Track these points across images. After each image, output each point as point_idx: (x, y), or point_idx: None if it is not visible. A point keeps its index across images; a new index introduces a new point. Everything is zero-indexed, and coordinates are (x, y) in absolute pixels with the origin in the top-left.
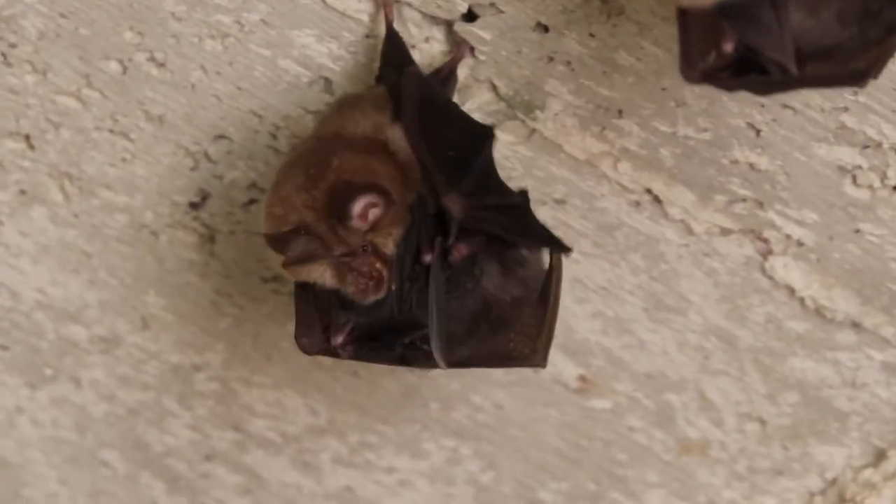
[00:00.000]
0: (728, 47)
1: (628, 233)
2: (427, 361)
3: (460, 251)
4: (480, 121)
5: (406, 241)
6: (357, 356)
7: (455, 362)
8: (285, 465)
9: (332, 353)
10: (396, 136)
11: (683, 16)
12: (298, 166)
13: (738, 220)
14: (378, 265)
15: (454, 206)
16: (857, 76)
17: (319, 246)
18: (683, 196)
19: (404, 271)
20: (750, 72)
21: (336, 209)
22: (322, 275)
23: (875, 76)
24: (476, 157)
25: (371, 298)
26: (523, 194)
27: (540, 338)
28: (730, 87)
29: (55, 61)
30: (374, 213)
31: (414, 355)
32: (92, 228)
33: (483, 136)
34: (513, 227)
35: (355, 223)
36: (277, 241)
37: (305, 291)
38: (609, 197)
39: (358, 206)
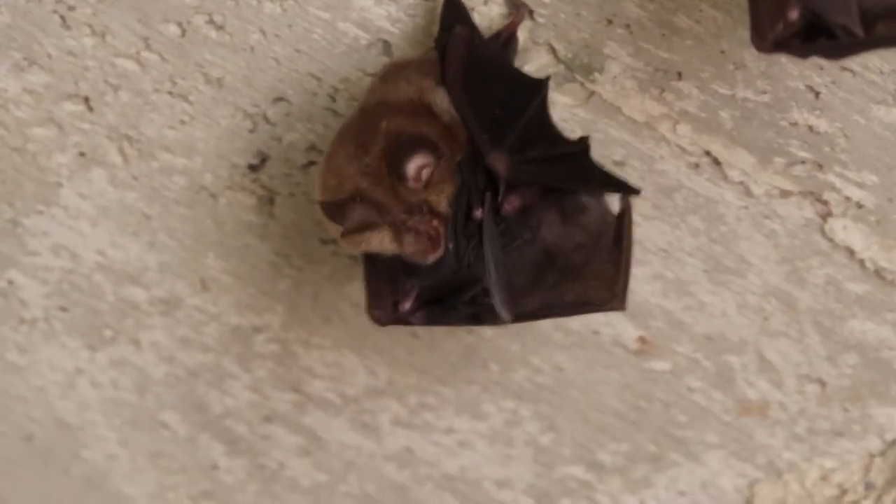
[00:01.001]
0: (793, 15)
1: (687, 195)
2: (497, 317)
3: (512, 203)
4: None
5: (458, 199)
6: (428, 321)
7: (524, 314)
8: (344, 427)
9: (404, 321)
10: (440, 98)
11: None
12: (347, 136)
13: (798, 183)
14: (434, 223)
15: (498, 163)
16: None
17: (375, 212)
18: (743, 158)
19: (458, 230)
20: (819, 37)
21: (393, 168)
22: (381, 241)
23: None
24: (524, 113)
25: (431, 257)
26: (582, 141)
27: (617, 282)
28: (802, 54)
29: (114, 24)
30: (426, 172)
31: (482, 311)
32: (151, 191)
33: (533, 89)
34: (568, 176)
35: (411, 184)
36: (333, 210)
37: (373, 264)
38: (668, 159)
39: (413, 165)
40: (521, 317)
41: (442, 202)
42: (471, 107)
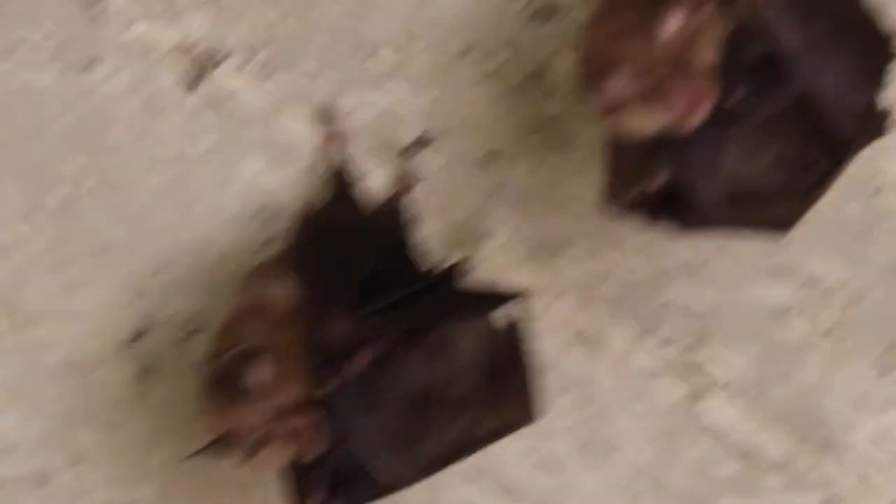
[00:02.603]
0: (659, 181)
1: (563, 372)
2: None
3: (359, 361)
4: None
5: (312, 375)
6: None
7: (421, 468)
8: None
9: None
10: (279, 291)
11: (614, 145)
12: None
13: (673, 360)
14: (302, 421)
15: (339, 326)
16: (783, 224)
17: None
18: (622, 333)
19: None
20: (674, 208)
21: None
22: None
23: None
24: (370, 264)
25: (311, 454)
26: (446, 270)
27: (525, 395)
28: (651, 222)
29: None
30: (268, 381)
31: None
32: (27, 362)
33: (389, 235)
34: (427, 313)
35: (255, 396)
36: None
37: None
38: (545, 333)
39: (252, 380)
40: (414, 475)
41: (291, 395)
42: (312, 282)
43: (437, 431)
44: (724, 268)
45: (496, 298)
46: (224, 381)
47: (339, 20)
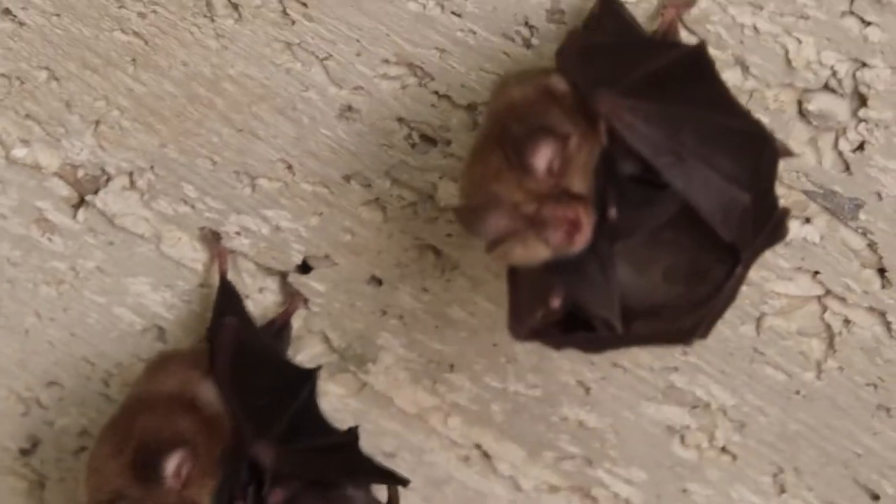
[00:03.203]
0: (556, 303)
1: (457, 488)
2: None
3: (276, 496)
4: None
5: (220, 493)
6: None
7: None
8: None
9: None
10: (206, 390)
11: (514, 273)
12: (106, 434)
13: (567, 478)
14: None
15: (264, 454)
16: (684, 335)
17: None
18: (513, 452)
19: None
20: (578, 329)
21: (147, 470)
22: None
23: (702, 336)
24: (292, 403)
25: None
26: (351, 432)
27: None
28: (558, 345)
29: None
30: (185, 468)
31: None
32: None
33: (303, 379)
34: (334, 468)
35: (169, 482)
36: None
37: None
38: (439, 451)
39: (171, 464)
40: None
41: (204, 498)
42: (237, 397)
43: None
44: (616, 387)
45: (388, 474)
46: (146, 462)
47: (219, 149)
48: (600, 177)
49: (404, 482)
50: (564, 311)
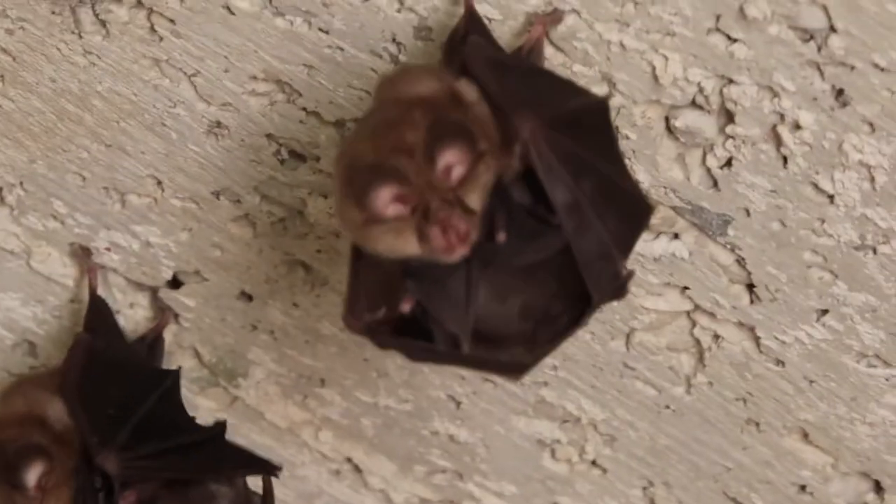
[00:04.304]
0: (406, 308)
1: (328, 501)
2: None
3: (127, 499)
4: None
5: (74, 502)
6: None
7: None
8: None
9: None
10: (55, 408)
11: (360, 261)
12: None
13: (438, 491)
14: None
15: (108, 463)
16: (517, 369)
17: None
18: (384, 466)
19: None
20: (413, 334)
21: (9, 477)
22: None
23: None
24: (143, 405)
25: None
26: (217, 426)
27: None
28: (384, 345)
29: None
30: (44, 480)
31: None
32: None
33: (160, 381)
34: (192, 466)
35: (30, 492)
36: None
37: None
38: (310, 465)
39: (32, 475)
40: None
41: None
42: (85, 411)
43: None
44: (487, 401)
45: (260, 463)
46: (9, 467)
47: (88, 165)
48: (495, 199)
49: (276, 469)
50: (408, 316)
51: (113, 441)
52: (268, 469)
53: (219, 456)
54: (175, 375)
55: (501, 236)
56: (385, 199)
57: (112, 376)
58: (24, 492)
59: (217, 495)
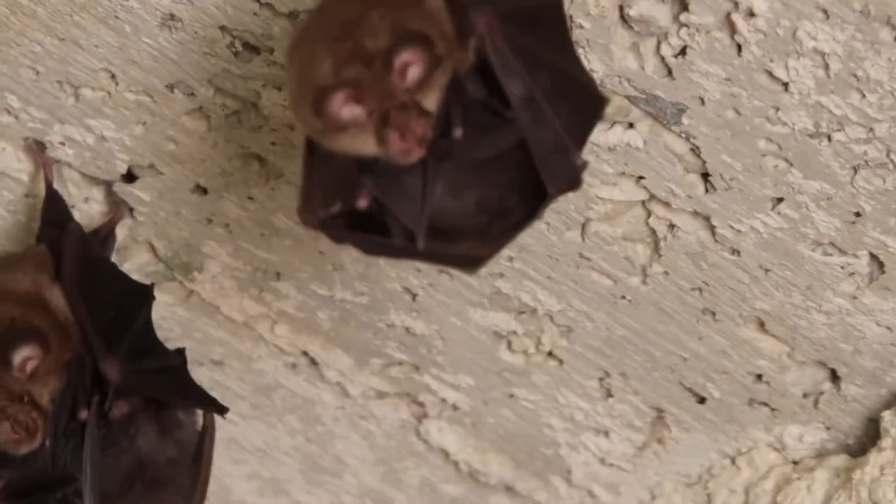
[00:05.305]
0: (363, 203)
1: (285, 395)
2: None
3: (120, 409)
4: (139, 281)
5: (63, 396)
6: None
7: None
8: None
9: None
10: (55, 295)
11: (314, 154)
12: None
13: (394, 384)
14: (34, 415)
15: (111, 370)
16: (472, 263)
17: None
18: (340, 359)
19: (59, 427)
20: (368, 228)
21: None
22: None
23: (482, 266)
24: (135, 320)
25: (24, 449)
26: (180, 353)
27: (193, 499)
28: (339, 238)
29: None
30: (31, 364)
31: None
32: None
33: (142, 297)
34: (169, 389)
35: (15, 373)
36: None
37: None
38: (266, 359)
39: (20, 355)
40: None
41: (45, 396)
42: (86, 308)
43: (131, 499)
44: (443, 293)
45: (209, 400)
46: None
47: (41, 59)
48: (450, 94)
49: (223, 410)
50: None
51: (117, 349)
52: (217, 408)
53: (184, 384)
54: (150, 292)
55: (458, 132)
56: (342, 107)
57: (103, 276)
58: (9, 370)
59: (183, 423)
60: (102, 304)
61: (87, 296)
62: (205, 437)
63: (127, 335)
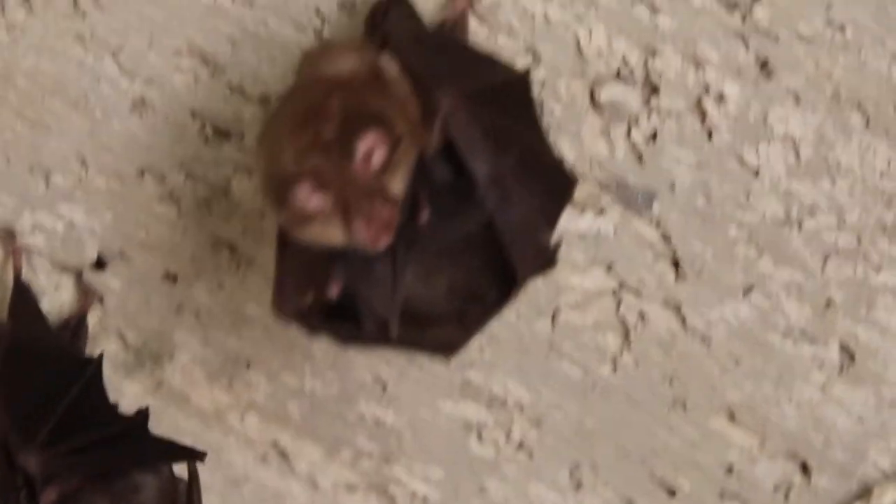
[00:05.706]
0: (334, 292)
1: (255, 487)
2: None
3: (48, 497)
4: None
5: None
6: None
7: None
8: None
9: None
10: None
11: (286, 246)
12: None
13: (365, 476)
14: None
15: (28, 462)
16: (447, 348)
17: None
18: (310, 450)
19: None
20: (341, 318)
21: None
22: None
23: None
24: (65, 397)
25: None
26: (139, 414)
27: None
28: (313, 330)
29: None
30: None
31: None
32: None
33: (81, 369)
34: (116, 458)
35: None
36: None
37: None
38: (236, 450)
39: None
40: None
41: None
42: (4, 409)
43: None
44: (413, 384)
45: (183, 451)
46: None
47: (13, 145)
48: (416, 177)
49: (200, 456)
50: (336, 300)
51: (34, 439)
52: (192, 455)
53: (142, 446)
54: (97, 363)
55: (424, 216)
56: (306, 198)
57: (33, 367)
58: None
59: (142, 485)
60: (25, 396)
61: (7, 394)
62: (193, 488)
63: (50, 419)
